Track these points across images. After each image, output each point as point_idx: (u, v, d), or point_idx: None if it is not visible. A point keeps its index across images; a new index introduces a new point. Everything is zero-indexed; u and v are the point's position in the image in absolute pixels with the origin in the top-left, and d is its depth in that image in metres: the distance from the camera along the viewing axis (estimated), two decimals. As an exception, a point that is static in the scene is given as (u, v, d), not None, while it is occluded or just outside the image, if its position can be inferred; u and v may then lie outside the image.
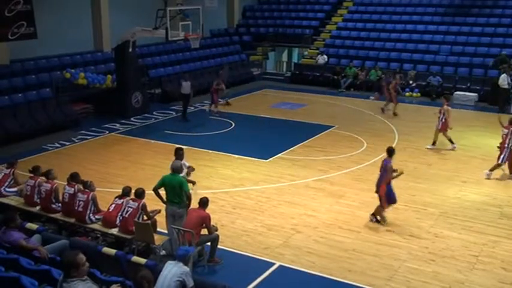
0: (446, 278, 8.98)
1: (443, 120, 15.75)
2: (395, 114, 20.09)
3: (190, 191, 9.70)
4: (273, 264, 9.41)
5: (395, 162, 11.15)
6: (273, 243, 10.15)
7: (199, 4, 20.66)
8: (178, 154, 10.35)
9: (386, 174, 10.82)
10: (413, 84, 24.02)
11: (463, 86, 23.09)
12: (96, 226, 9.75)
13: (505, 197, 12.50)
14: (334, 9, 30.60)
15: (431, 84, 23.50)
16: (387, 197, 10.90)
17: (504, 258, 9.67)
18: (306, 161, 14.90)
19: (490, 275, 9.12)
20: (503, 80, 21.17)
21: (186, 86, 18.98)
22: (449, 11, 27.33)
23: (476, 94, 22.49)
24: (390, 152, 11.04)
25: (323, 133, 17.66)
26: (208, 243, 9.34)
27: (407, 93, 23.83)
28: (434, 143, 16.05)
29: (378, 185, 11.01)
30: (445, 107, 15.85)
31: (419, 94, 23.72)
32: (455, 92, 22.77)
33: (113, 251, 7.81)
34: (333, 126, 18.40)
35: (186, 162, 10.43)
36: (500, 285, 8.84)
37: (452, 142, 15.93)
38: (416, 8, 28.37)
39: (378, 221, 11.04)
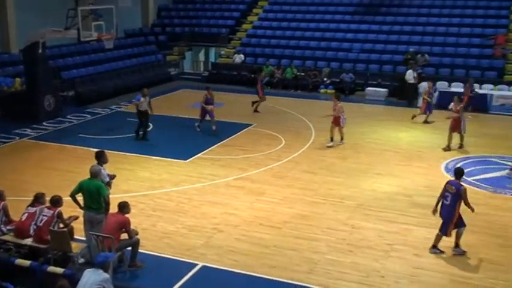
0: (364, 267, 9.34)
1: (344, 116, 16.25)
2: (426, 122, 19.14)
3: None
4: (196, 265, 9.39)
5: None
6: (195, 244, 10.12)
7: (112, 3, 20.18)
8: (99, 157, 9.98)
9: (460, 199, 9.55)
10: (328, 81, 24.74)
11: (374, 82, 24.07)
12: (7, 237, 9.28)
13: (415, 186, 13.17)
14: (250, 8, 30.90)
15: (344, 81, 24.32)
16: (458, 221, 9.70)
17: (416, 245, 10.19)
18: (226, 160, 14.97)
19: (404, 262, 9.58)
20: (409, 75, 22.27)
21: (144, 102, 16.59)
22: (359, 10, 28.39)
23: (386, 89, 23.52)
24: (459, 173, 9.81)
25: (242, 132, 17.81)
26: (129, 248, 9.17)
27: (322, 90, 24.53)
28: (342, 139, 16.50)
29: (450, 214, 9.62)
30: (339, 104, 16.21)
31: (333, 91, 24.40)
32: (367, 88, 23.72)
33: (27, 262, 7.50)
34: (252, 125, 18.60)
35: (105, 171, 9.97)
36: (413, 270, 9.31)
37: (332, 140, 16.23)
38: (329, 7, 29.23)
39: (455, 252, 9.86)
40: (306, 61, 26.36)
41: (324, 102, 22.44)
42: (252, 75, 25.66)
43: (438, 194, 12.48)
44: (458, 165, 10.16)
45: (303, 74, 25.47)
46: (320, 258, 9.63)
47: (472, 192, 12.70)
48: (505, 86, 22.43)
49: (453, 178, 9.99)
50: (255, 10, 30.73)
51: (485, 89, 22.12)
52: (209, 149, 15.90)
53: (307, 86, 24.92)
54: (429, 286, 8.86)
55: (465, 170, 13.93)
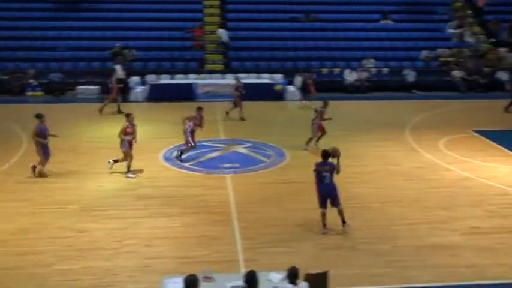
0: (96, 270, 9.18)
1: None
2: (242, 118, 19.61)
3: None
4: None
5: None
6: None
7: None
8: None
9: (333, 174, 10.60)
10: (35, 83, 23.32)
11: (84, 80, 23.61)
12: None
13: (137, 180, 13.45)
14: None
15: (53, 81, 23.29)
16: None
17: (146, 236, 10.44)
18: None
19: (135, 255, 9.72)
20: (119, 71, 22.49)
21: None
22: (59, 6, 27.28)
23: (97, 87, 23.29)
24: (327, 155, 10.67)
25: None
26: None
27: (29, 93, 23.06)
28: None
29: (334, 188, 10.58)
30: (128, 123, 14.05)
31: (42, 93, 23.21)
32: (78, 87, 23.18)
33: None
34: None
35: None
36: (146, 261, 9.51)
37: (115, 162, 13.97)
38: (25, 4, 27.35)
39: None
40: (6, 63, 24.30)
41: (34, 106, 21.10)
42: None
43: (162, 184, 13.12)
44: (324, 149, 11.02)
45: (6, 77, 23.49)
46: (49, 271, 9.12)
47: (189, 176, 13.73)
48: (208, 75, 24.41)
49: (321, 160, 10.66)
50: None
51: (191, 79, 23.75)
52: None
53: (13, 90, 23.08)
54: (163, 273, 9.14)
55: (182, 157, 14.97)
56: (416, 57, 26.67)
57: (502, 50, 27.19)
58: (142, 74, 23.91)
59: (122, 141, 13.70)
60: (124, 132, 13.67)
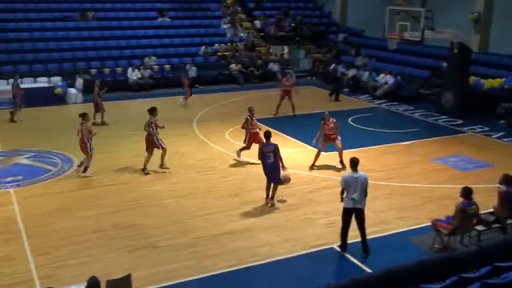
0: None
1: None
2: None
3: None
4: None
5: None
6: None
7: None
8: None
9: (278, 153, 11.76)
10: None
11: None
12: None
13: None
14: None
15: None
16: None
17: None
18: None
19: None
20: None
21: None
22: None
23: None
24: (269, 135, 11.96)
25: None
26: None
27: None
28: None
29: (276, 167, 11.77)
30: None
31: None
32: None
33: None
34: None
35: None
36: None
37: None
38: None
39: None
40: None
41: None
42: None
43: None
44: (266, 130, 12.45)
45: None
46: None
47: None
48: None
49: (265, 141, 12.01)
50: None
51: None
52: None
53: None
54: None
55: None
56: (196, 53, 27.56)
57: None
58: None
59: (85, 143, 13.58)
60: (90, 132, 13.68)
